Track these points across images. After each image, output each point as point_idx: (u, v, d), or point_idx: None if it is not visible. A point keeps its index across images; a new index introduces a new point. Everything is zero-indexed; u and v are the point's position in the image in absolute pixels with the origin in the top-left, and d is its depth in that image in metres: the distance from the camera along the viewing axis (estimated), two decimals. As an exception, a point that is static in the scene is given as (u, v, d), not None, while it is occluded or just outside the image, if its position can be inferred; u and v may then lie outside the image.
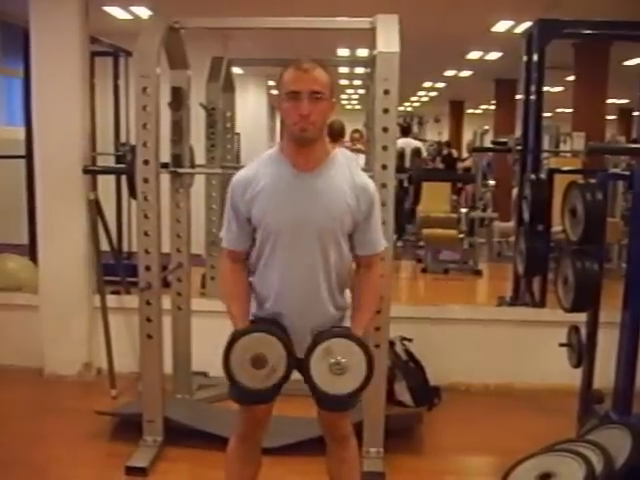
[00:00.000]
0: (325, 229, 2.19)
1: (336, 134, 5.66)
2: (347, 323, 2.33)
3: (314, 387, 2.15)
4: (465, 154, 14.99)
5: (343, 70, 11.88)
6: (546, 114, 5.89)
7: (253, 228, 2.25)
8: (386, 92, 3.00)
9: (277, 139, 11.99)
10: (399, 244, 8.35)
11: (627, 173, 4.46)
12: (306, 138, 2.14)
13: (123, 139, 6.76)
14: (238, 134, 5.89)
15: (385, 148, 3.00)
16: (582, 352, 3.59)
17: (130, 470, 3.15)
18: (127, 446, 3.31)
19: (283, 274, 2.22)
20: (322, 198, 2.18)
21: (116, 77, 6.74)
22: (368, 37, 3.28)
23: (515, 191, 6.28)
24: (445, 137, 19.70)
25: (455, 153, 12.83)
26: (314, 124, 2.11)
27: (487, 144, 9.14)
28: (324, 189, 2.19)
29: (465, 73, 12.61)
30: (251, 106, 11.30)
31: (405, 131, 10.28)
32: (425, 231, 7.88)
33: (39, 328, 4.29)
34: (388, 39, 3.04)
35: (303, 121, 2.09)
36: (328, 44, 8.61)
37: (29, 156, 4.81)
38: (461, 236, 7.83)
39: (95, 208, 4.21)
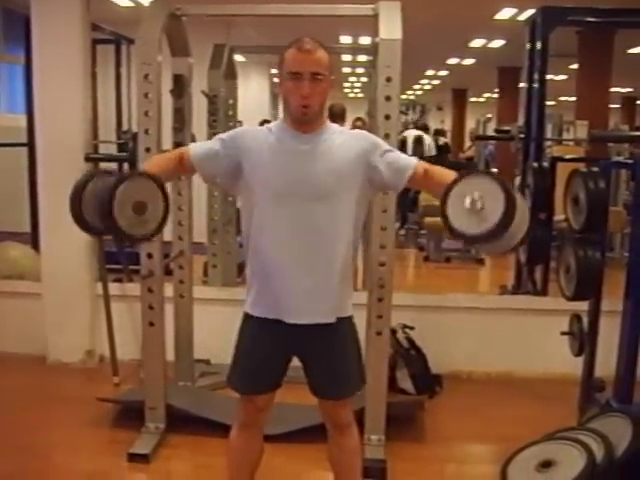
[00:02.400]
0: (326, 185, 2.17)
1: (337, 117, 5.64)
2: (349, 304, 2.31)
3: (454, 231, 1.98)
4: (468, 143, 14.98)
5: (346, 58, 11.84)
6: (549, 102, 5.88)
7: (231, 175, 2.23)
8: (388, 79, 2.99)
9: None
10: (402, 232, 8.36)
11: (630, 161, 4.45)
12: (306, 118, 2.17)
13: (125, 127, 6.75)
14: (240, 122, 5.85)
15: (387, 136, 2.99)
16: (584, 340, 3.60)
17: (132, 457, 3.17)
18: (129, 433, 3.33)
19: (283, 234, 2.17)
20: (322, 155, 2.19)
21: (118, 65, 6.72)
22: (371, 24, 3.27)
23: (518, 180, 6.25)
24: (447, 125, 19.65)
25: (442, 140, 12.68)
26: (314, 104, 2.15)
27: (490, 132, 9.13)
28: (324, 146, 2.20)
29: (468, 61, 12.56)
30: (253, 94, 11.26)
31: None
32: (427, 220, 7.87)
33: (42, 316, 4.30)
34: (390, 26, 3.02)
35: (304, 101, 2.12)
36: (330, 31, 8.57)
37: (31, 144, 4.80)
38: (463, 225, 7.81)
39: (97, 196, 4.21)
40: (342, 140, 2.24)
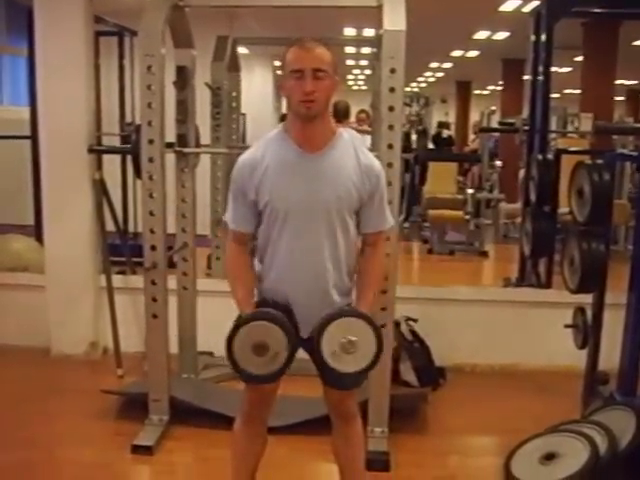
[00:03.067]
0: (331, 209, 2.19)
1: (341, 114, 5.65)
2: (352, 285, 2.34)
3: (324, 365, 2.14)
4: (471, 136, 14.93)
5: (349, 50, 11.82)
6: (554, 95, 5.85)
7: (259, 210, 2.24)
8: (392, 71, 2.98)
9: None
10: (405, 225, 8.35)
11: (635, 154, 4.45)
12: (311, 115, 2.14)
13: (128, 119, 6.74)
14: (244, 114, 5.87)
15: (391, 127, 2.98)
16: (587, 333, 3.59)
17: (136, 449, 3.17)
18: (133, 425, 3.33)
19: (289, 254, 2.22)
20: (328, 178, 2.18)
21: (121, 57, 6.70)
22: (374, 16, 3.25)
23: (522, 172, 6.24)
24: (452, 118, 19.60)
25: (446, 133, 12.64)
26: (318, 101, 2.12)
27: (494, 125, 9.10)
28: (330, 169, 2.19)
29: (472, 53, 12.53)
30: (257, 86, 11.24)
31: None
32: (431, 212, 7.86)
33: (45, 308, 4.31)
34: (395, 17, 3.01)
35: (307, 98, 2.10)
36: (334, 23, 8.56)
37: (34, 136, 4.80)
38: (467, 217, 7.82)
39: (100, 188, 4.21)
40: (352, 167, 2.21)
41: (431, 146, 11.29)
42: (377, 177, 2.25)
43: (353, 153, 2.23)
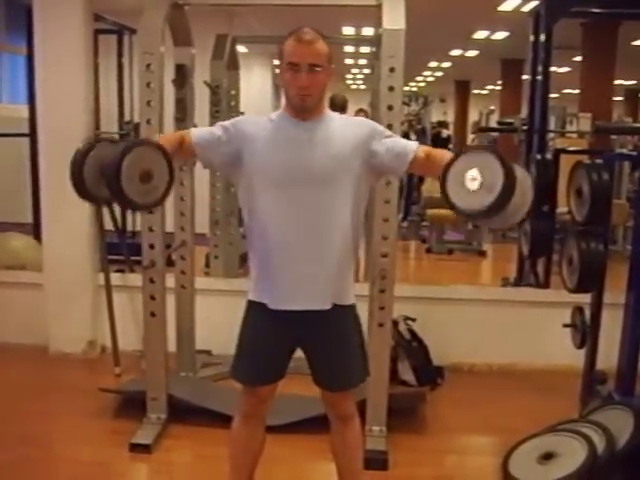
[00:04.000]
0: (326, 170, 2.17)
1: (338, 108, 5.63)
2: (349, 292, 2.30)
3: (453, 206, 1.97)
4: (470, 136, 14.93)
5: (348, 49, 11.82)
6: (552, 95, 5.86)
7: (231, 163, 2.23)
8: (391, 70, 2.98)
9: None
10: (404, 224, 8.36)
11: (634, 153, 4.45)
12: (305, 108, 2.18)
13: (127, 117, 6.74)
14: (242, 113, 5.83)
15: (390, 127, 2.97)
16: (586, 333, 3.59)
17: (134, 447, 3.17)
18: (131, 423, 3.33)
19: (283, 222, 2.18)
20: (322, 141, 2.19)
21: (120, 55, 6.70)
22: (373, 15, 3.25)
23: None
24: (450, 117, 19.61)
25: (445, 133, 12.64)
26: (313, 95, 2.16)
27: (493, 124, 9.11)
28: (324, 132, 2.21)
29: (471, 53, 12.53)
30: (256, 85, 11.23)
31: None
32: (430, 211, 7.87)
33: (43, 306, 4.31)
34: (394, 16, 3.01)
35: (302, 92, 2.13)
36: (333, 22, 8.54)
37: (33, 134, 4.80)
38: (466, 217, 7.81)
39: (99, 186, 4.20)
40: (342, 126, 2.25)
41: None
42: (372, 125, 2.29)
43: (343, 120, 2.31)
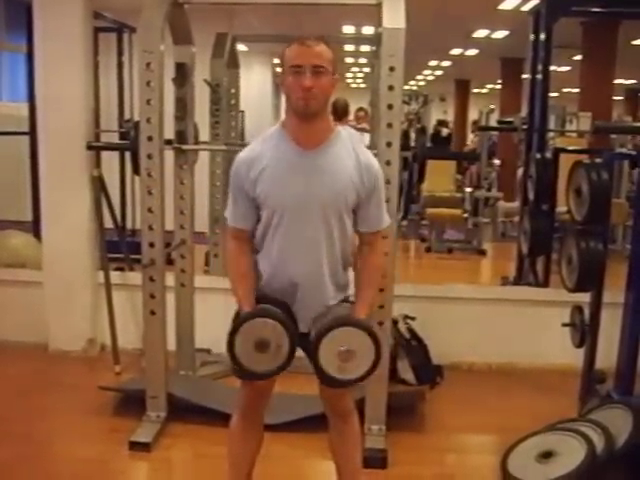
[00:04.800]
0: (328, 206, 2.20)
1: (340, 112, 5.63)
2: (350, 300, 2.34)
3: (322, 372, 2.16)
4: (470, 135, 14.93)
5: (348, 48, 11.81)
6: (552, 94, 5.85)
7: (257, 207, 2.24)
8: (391, 69, 2.98)
9: (282, 117, 11.98)
10: (404, 223, 8.36)
11: (633, 153, 4.45)
12: (309, 112, 2.14)
13: (127, 116, 6.73)
14: (242, 112, 5.86)
15: (390, 125, 2.98)
16: (585, 332, 3.60)
17: (133, 445, 3.18)
18: (130, 421, 3.33)
19: (286, 249, 2.23)
20: (325, 175, 2.19)
21: (120, 53, 6.70)
22: (374, 14, 3.25)
23: (520, 171, 6.25)
24: (450, 116, 19.61)
25: (445, 132, 12.64)
26: (317, 98, 2.12)
27: (493, 123, 9.11)
28: (327, 166, 2.19)
29: (471, 52, 12.53)
30: (256, 84, 11.24)
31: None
32: (429, 210, 7.87)
33: (43, 304, 4.31)
34: (394, 15, 3.01)
35: (306, 94, 2.10)
36: (333, 21, 8.55)
37: (33, 132, 4.80)
38: (465, 216, 7.82)
39: (99, 185, 4.21)
40: (351, 165, 2.21)
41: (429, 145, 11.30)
42: (375, 175, 2.25)
43: (351, 151, 2.23)
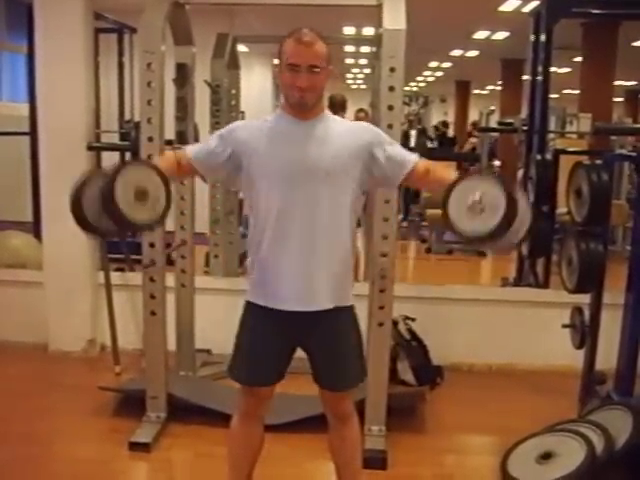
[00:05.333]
0: (327, 169, 2.17)
1: (337, 107, 5.63)
2: (349, 293, 2.31)
3: (455, 229, 2.01)
4: (472, 139, 14.96)
5: (349, 49, 11.82)
6: (553, 95, 5.86)
7: (230, 166, 2.23)
8: (392, 70, 2.98)
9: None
10: (404, 224, 8.36)
11: (633, 154, 4.45)
12: (303, 104, 2.18)
13: (127, 116, 6.74)
14: (243, 112, 5.84)
15: (390, 126, 2.98)
16: (585, 333, 3.60)
17: (133, 446, 3.18)
18: (130, 422, 3.33)
19: (285, 220, 2.17)
20: (323, 139, 2.20)
21: (120, 54, 6.71)
22: (374, 15, 3.25)
23: (520, 172, 6.25)
24: (451, 117, 19.63)
25: (451, 133, 12.70)
26: (311, 95, 2.17)
27: (493, 125, 9.12)
28: (322, 131, 2.21)
29: (471, 53, 12.54)
30: (256, 85, 11.24)
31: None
32: (429, 211, 7.87)
33: (43, 305, 4.31)
34: (395, 16, 3.01)
35: (301, 93, 2.14)
36: (334, 22, 8.54)
37: (33, 133, 4.80)
38: (466, 217, 7.81)
39: (99, 185, 4.20)
40: (344, 130, 2.26)
41: (432, 145, 11.31)
42: (372, 130, 2.30)
43: (345, 122, 2.34)
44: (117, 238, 1.89)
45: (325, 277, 2.21)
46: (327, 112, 2.29)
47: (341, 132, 2.24)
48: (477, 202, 1.96)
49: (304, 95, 2.15)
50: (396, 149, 2.29)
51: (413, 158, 2.25)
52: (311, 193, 2.17)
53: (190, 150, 2.31)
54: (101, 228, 2.08)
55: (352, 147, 2.21)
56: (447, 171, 2.20)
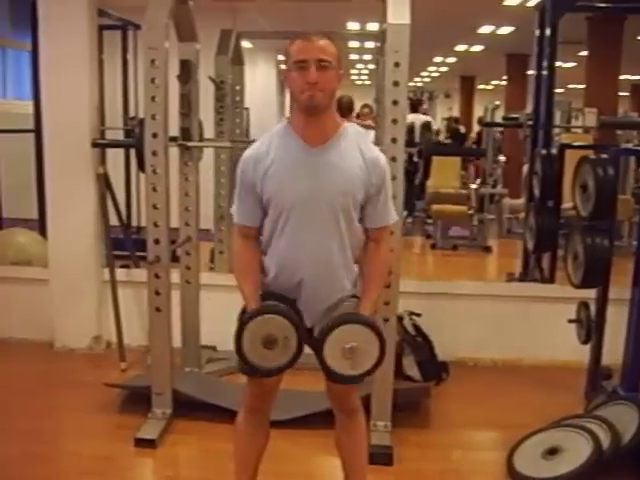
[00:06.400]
0: (337, 203, 2.18)
1: (345, 109, 5.63)
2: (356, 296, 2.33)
3: (328, 369, 2.17)
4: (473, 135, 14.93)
5: (353, 44, 11.81)
6: (558, 90, 5.83)
7: (263, 205, 2.24)
8: (396, 65, 2.97)
9: (287, 114, 11.97)
10: (409, 220, 8.35)
11: (639, 149, 4.43)
12: (315, 106, 2.13)
13: (132, 113, 6.73)
14: (247, 108, 5.85)
15: (395, 121, 2.97)
16: (591, 328, 3.59)
17: (139, 442, 3.18)
18: (136, 418, 3.34)
19: (294, 248, 2.22)
20: (333, 172, 2.18)
21: (125, 51, 6.70)
22: (378, 10, 3.24)
23: (526, 167, 6.23)
24: (455, 113, 19.58)
25: (463, 129, 12.72)
26: (322, 92, 2.11)
27: (498, 120, 9.09)
28: (335, 163, 2.18)
29: (476, 48, 12.51)
30: (260, 81, 11.23)
31: (414, 106, 10.21)
32: (435, 207, 7.85)
33: (49, 302, 4.32)
34: (399, 11, 3.00)
35: (311, 89, 2.10)
36: (338, 17, 8.55)
37: (38, 130, 4.80)
38: (471, 212, 7.81)
39: (104, 182, 4.21)
40: (357, 159, 2.21)
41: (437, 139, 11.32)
42: (383, 171, 2.25)
43: (357, 147, 2.22)
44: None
45: (338, 285, 2.27)
46: (341, 131, 2.22)
47: (355, 164, 2.19)
48: (350, 349, 2.12)
49: (314, 93, 2.10)
50: (384, 199, 2.28)
51: (382, 222, 2.30)
52: (323, 220, 2.19)
53: (239, 223, 2.29)
54: (262, 367, 2.19)
55: (361, 178, 2.20)
56: (371, 280, 2.30)
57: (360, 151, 2.22)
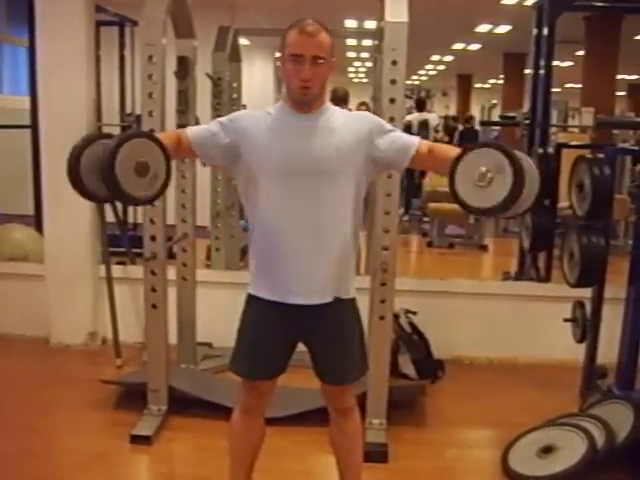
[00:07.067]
0: (331, 162, 2.16)
1: (340, 100, 5.63)
2: (350, 286, 2.29)
3: (462, 203, 1.98)
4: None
5: (350, 42, 11.79)
6: (555, 89, 5.84)
7: (227, 152, 2.21)
8: (394, 63, 2.98)
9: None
10: (405, 218, 8.36)
11: (636, 148, 4.44)
12: (307, 100, 2.16)
13: (129, 109, 6.73)
14: (244, 105, 5.83)
15: (392, 119, 2.97)
16: (586, 327, 3.60)
17: (135, 438, 3.18)
18: (132, 415, 3.34)
19: (285, 212, 2.17)
20: (324, 133, 2.18)
21: (122, 47, 6.69)
22: (376, 8, 3.24)
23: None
24: (452, 111, 19.59)
25: (460, 127, 12.74)
26: (315, 87, 2.14)
27: (495, 119, 9.11)
28: (325, 124, 2.20)
29: (474, 46, 12.52)
30: (257, 78, 11.21)
31: (421, 105, 10.21)
32: (431, 205, 7.86)
33: (45, 298, 4.31)
34: (397, 9, 3.00)
35: (304, 84, 2.12)
36: (335, 15, 8.54)
37: (34, 126, 4.79)
38: (467, 211, 7.80)
39: (100, 178, 4.20)
40: (345, 120, 2.24)
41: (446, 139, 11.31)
42: (375, 120, 2.28)
43: (343, 114, 2.30)
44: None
45: (327, 270, 2.19)
46: (328, 104, 2.27)
47: (342, 123, 2.22)
48: (483, 175, 1.92)
49: (307, 87, 2.11)
50: (398, 134, 2.27)
51: (415, 141, 2.23)
52: (313, 186, 2.15)
53: (190, 132, 2.27)
54: (98, 194, 2.05)
55: (354, 137, 2.19)
56: (450, 149, 2.17)
57: (346, 115, 2.30)
